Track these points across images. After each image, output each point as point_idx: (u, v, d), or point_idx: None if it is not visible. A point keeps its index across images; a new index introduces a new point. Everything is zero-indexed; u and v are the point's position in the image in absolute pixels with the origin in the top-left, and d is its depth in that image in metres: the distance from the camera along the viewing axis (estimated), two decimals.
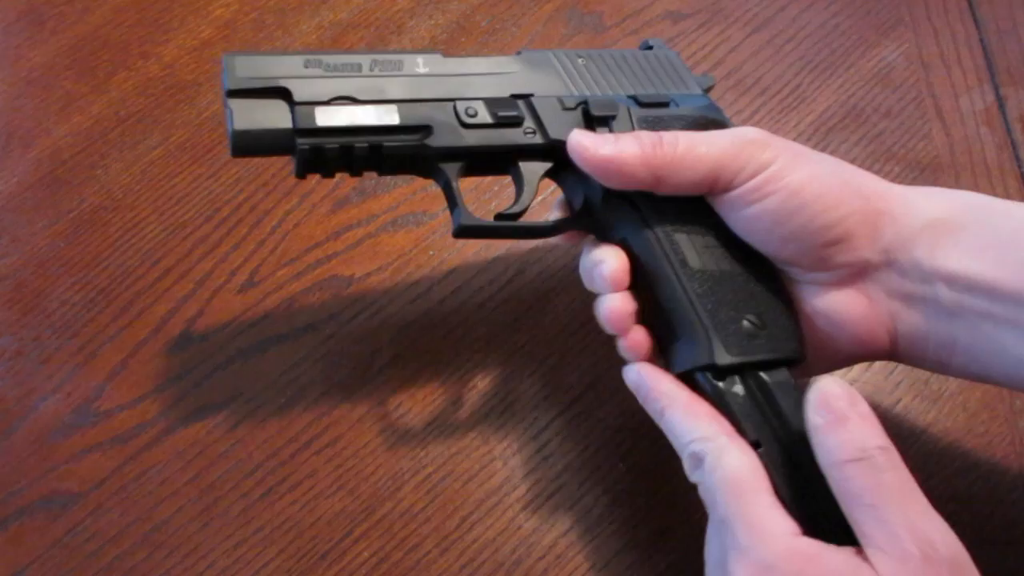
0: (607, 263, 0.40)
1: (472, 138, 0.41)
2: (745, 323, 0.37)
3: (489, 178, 0.56)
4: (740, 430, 0.36)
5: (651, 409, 0.38)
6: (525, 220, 0.42)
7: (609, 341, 0.41)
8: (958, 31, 0.62)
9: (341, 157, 0.39)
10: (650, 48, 0.46)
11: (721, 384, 0.37)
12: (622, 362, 0.41)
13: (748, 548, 0.32)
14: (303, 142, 0.39)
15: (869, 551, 0.31)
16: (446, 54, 0.42)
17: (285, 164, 0.57)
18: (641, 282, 0.40)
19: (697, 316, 0.37)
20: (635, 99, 0.43)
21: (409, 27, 0.64)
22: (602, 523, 0.46)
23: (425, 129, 0.40)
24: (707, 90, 0.45)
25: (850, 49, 0.62)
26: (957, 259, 0.36)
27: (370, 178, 0.57)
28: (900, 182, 0.40)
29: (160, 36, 0.63)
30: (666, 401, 0.37)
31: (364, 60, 0.41)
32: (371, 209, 0.56)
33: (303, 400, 0.50)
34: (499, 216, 0.42)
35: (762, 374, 0.37)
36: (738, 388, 0.37)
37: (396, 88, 0.41)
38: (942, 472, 0.47)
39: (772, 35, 0.63)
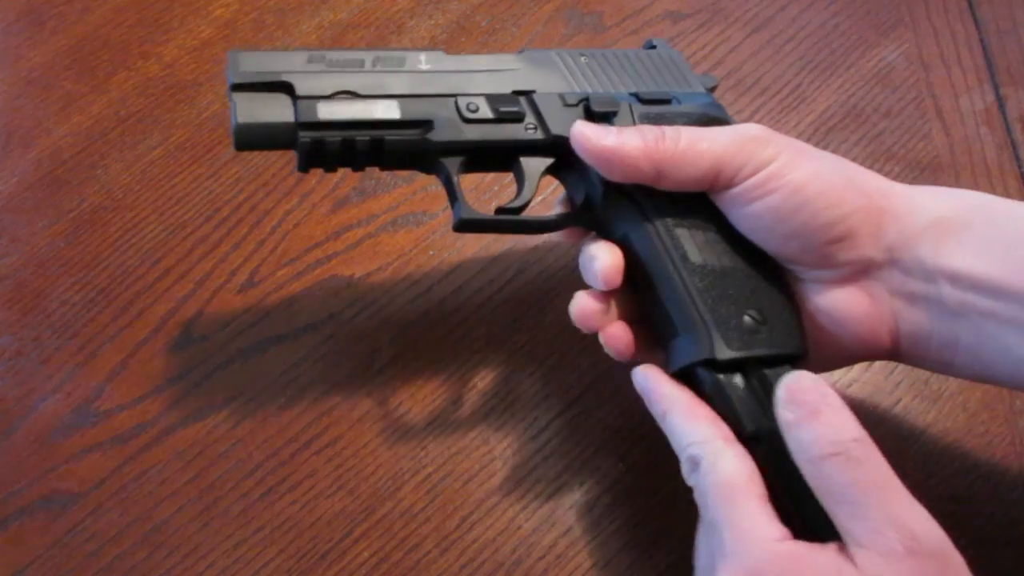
0: (600, 259, 0.40)
1: (473, 133, 0.41)
2: (746, 319, 0.37)
3: (489, 177, 0.56)
4: (739, 425, 0.36)
5: (654, 412, 0.38)
6: (526, 215, 0.43)
7: None
8: (958, 31, 0.63)
9: (343, 151, 0.40)
10: (653, 47, 0.46)
11: (721, 378, 0.37)
12: (623, 362, 0.41)
13: (734, 553, 0.32)
14: (305, 135, 0.39)
15: (852, 548, 0.31)
16: (448, 52, 0.43)
17: (285, 164, 0.57)
18: (641, 278, 0.40)
19: (697, 311, 0.37)
20: (637, 96, 0.43)
21: (409, 27, 0.64)
22: (602, 523, 0.46)
23: (426, 124, 0.41)
24: (710, 90, 0.45)
25: (850, 49, 0.62)
26: (961, 258, 0.36)
27: (370, 178, 0.57)
28: (900, 182, 0.40)
29: (160, 36, 0.63)
30: (667, 404, 0.37)
31: (367, 56, 0.41)
32: (371, 209, 0.56)
33: (303, 400, 0.50)
34: (500, 210, 0.43)
35: (764, 370, 0.37)
36: (738, 382, 0.37)
37: (398, 84, 0.41)
38: (942, 472, 0.47)
39: (772, 35, 0.63)
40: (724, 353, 0.37)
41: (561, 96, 0.42)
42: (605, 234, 0.42)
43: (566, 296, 0.41)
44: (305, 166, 0.40)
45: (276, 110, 0.39)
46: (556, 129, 0.41)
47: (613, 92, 0.43)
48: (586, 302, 0.41)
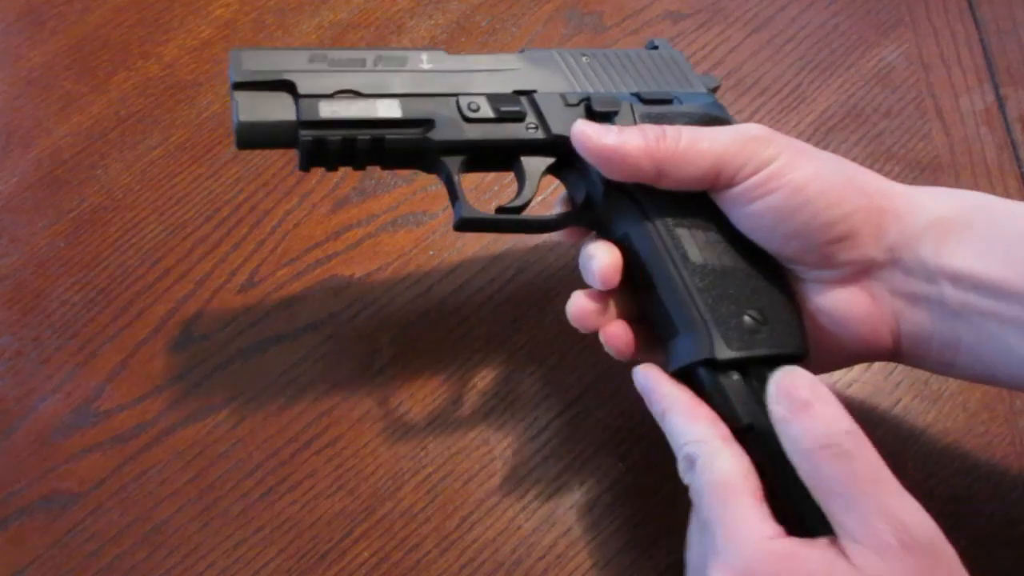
0: (598, 258, 0.40)
1: (474, 132, 0.41)
2: (746, 318, 0.37)
3: (490, 177, 0.56)
4: (738, 424, 0.36)
5: (654, 411, 0.38)
6: (526, 214, 0.43)
7: None
8: (958, 31, 0.63)
9: (344, 150, 0.40)
10: (655, 48, 0.46)
11: (721, 378, 0.37)
12: (622, 362, 0.41)
13: (726, 552, 0.32)
14: (306, 134, 0.39)
15: (845, 542, 0.31)
16: (448, 52, 0.43)
17: (285, 164, 0.57)
18: (642, 278, 0.40)
19: (697, 310, 0.37)
20: (638, 96, 0.43)
21: (409, 27, 0.64)
22: (602, 523, 0.46)
23: (427, 123, 0.41)
24: (712, 90, 0.45)
25: (850, 49, 0.62)
26: (963, 258, 0.36)
27: (370, 178, 0.57)
28: (900, 182, 0.40)
29: (160, 36, 0.63)
30: (667, 403, 0.37)
31: (368, 56, 0.41)
32: (371, 209, 0.56)
33: (303, 400, 0.50)
34: (500, 209, 0.43)
35: (764, 370, 0.37)
36: (738, 382, 0.37)
37: (399, 83, 0.41)
38: (942, 472, 0.47)
39: (772, 35, 0.63)
40: (724, 353, 0.37)
41: (562, 96, 0.42)
42: (606, 233, 0.42)
43: (566, 296, 0.41)
44: (306, 165, 0.40)
45: (278, 109, 0.39)
46: (557, 128, 0.41)
47: (614, 92, 0.43)
48: (583, 302, 0.41)
